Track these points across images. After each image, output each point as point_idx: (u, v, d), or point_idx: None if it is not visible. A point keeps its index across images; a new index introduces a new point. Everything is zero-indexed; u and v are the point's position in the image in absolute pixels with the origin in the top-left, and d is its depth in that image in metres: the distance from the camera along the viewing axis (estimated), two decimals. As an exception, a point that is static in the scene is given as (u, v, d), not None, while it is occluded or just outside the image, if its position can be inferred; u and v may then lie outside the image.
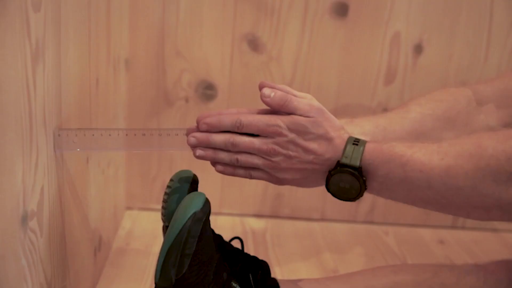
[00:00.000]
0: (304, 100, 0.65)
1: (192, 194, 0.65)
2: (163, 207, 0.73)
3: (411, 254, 1.11)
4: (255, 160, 0.66)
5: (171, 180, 0.73)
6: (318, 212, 1.24)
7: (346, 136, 0.65)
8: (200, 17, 1.11)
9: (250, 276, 0.72)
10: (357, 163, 0.63)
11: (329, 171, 0.65)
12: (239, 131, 0.65)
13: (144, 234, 1.11)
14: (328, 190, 0.66)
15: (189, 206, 0.62)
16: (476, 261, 0.82)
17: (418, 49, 1.15)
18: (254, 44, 1.13)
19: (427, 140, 0.66)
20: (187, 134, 0.67)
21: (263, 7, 1.11)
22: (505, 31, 1.14)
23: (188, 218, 0.61)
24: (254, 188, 1.22)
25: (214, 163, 0.68)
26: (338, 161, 0.64)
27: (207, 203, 0.64)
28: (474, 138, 0.61)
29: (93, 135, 0.67)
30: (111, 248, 1.04)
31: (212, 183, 1.20)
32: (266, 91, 0.65)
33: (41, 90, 0.57)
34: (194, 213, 0.62)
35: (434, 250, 1.14)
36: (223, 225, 1.16)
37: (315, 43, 1.13)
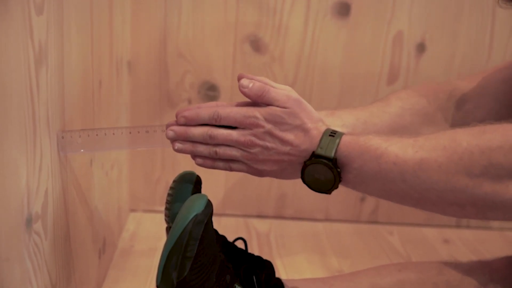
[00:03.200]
0: (282, 91, 0.65)
1: (194, 196, 0.64)
2: (166, 208, 0.73)
3: (416, 253, 1.10)
4: (234, 152, 0.66)
5: (174, 181, 0.73)
6: (322, 212, 1.24)
7: (323, 128, 0.65)
8: (202, 18, 1.11)
9: (254, 278, 0.72)
10: (332, 154, 0.62)
11: (304, 162, 0.64)
12: (217, 123, 0.65)
13: (148, 236, 1.11)
14: (304, 181, 0.66)
15: (191, 208, 0.62)
16: (480, 259, 0.81)
17: (421, 48, 1.15)
18: (257, 44, 1.13)
19: (407, 134, 0.65)
20: (166, 128, 0.67)
21: (265, 7, 1.11)
22: (508, 29, 1.14)
23: (189, 221, 0.61)
24: (258, 189, 1.22)
25: (194, 156, 0.68)
26: (313, 152, 0.64)
27: (209, 205, 0.64)
28: (449, 133, 0.60)
29: (96, 135, 0.67)
30: (115, 250, 1.04)
31: (215, 184, 1.20)
32: (245, 81, 0.65)
33: (45, 92, 0.57)
34: (196, 216, 0.62)
35: (438, 250, 1.13)
36: (226, 226, 1.16)
37: (318, 43, 1.13)
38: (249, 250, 0.78)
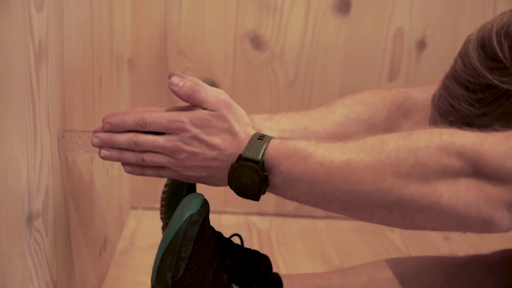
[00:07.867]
0: (212, 92, 0.63)
1: (190, 195, 0.64)
2: (162, 206, 0.72)
3: (416, 250, 1.10)
4: (161, 159, 0.63)
5: (169, 178, 0.73)
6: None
7: (252, 132, 0.63)
8: (203, 15, 1.11)
9: (252, 277, 0.71)
10: (259, 157, 0.60)
11: (231, 165, 0.62)
12: (142, 129, 0.62)
13: (149, 234, 1.11)
14: (230, 186, 0.63)
15: (186, 208, 0.61)
16: (477, 252, 0.82)
17: (421, 45, 1.15)
18: (257, 41, 1.13)
19: None
20: (93, 134, 0.64)
21: (265, 4, 1.11)
22: (509, 25, 1.14)
23: (184, 221, 0.60)
24: (258, 186, 1.22)
25: (123, 163, 0.65)
26: (240, 155, 0.61)
27: (204, 205, 0.63)
28: (378, 136, 0.59)
29: (96, 136, 0.66)
30: (116, 248, 1.04)
31: (216, 182, 1.20)
32: (175, 79, 0.63)
33: (45, 89, 0.57)
34: (191, 216, 0.61)
35: (439, 247, 1.13)
36: (227, 224, 1.16)
37: (318, 40, 1.13)
38: (251, 248, 0.78)
